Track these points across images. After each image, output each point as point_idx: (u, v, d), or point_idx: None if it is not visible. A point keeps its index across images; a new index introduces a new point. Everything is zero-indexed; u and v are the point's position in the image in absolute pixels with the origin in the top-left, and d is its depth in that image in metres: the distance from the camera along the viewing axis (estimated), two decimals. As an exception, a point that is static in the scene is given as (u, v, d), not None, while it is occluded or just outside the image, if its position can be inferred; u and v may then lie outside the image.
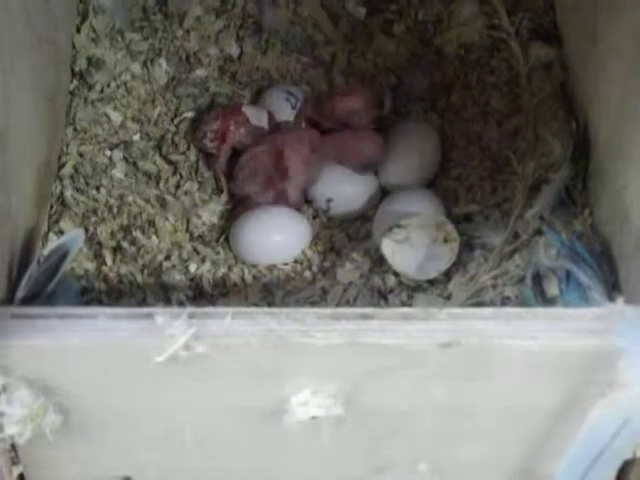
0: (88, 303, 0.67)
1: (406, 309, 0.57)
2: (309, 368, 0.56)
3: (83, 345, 0.55)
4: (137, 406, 0.58)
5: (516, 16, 0.81)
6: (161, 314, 0.55)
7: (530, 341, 0.55)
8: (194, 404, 0.58)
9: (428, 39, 0.82)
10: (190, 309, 0.56)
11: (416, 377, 0.57)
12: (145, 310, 0.56)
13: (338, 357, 0.55)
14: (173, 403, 0.58)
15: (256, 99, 0.81)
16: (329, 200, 0.76)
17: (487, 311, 0.57)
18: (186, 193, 0.76)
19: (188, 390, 0.57)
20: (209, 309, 0.56)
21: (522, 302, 0.66)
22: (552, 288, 0.64)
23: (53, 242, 0.69)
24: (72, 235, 0.67)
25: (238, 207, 0.76)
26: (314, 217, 0.77)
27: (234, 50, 0.83)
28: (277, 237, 0.74)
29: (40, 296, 0.62)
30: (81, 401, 0.58)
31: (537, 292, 0.64)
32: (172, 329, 0.55)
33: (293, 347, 0.55)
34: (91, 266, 0.70)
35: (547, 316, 0.57)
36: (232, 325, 0.56)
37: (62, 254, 0.64)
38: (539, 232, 0.69)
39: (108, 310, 0.56)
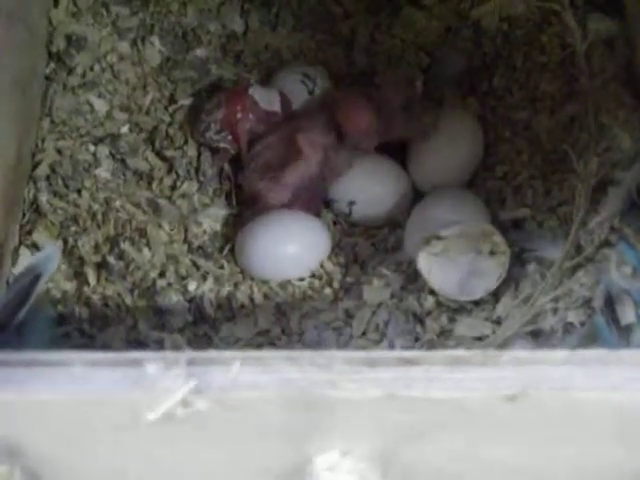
0: (67, 335, 0.61)
1: (459, 352, 0.49)
2: (338, 426, 0.48)
3: (56, 400, 0.47)
4: (124, 472, 0.51)
5: (570, -18, 0.76)
6: (152, 360, 0.47)
7: (614, 392, 0.47)
8: (195, 470, 0.50)
9: (465, 11, 0.77)
10: (189, 353, 0.48)
11: (471, 436, 0.49)
12: (132, 355, 0.49)
13: (374, 412, 0.48)
14: (169, 469, 0.50)
15: (265, 83, 0.75)
16: (351, 203, 0.69)
17: (560, 354, 0.49)
18: (184, 196, 0.70)
19: (187, 454, 0.49)
20: (212, 353, 0.49)
21: (591, 331, 0.59)
22: (627, 314, 0.58)
23: (25, 259, 0.64)
24: (46, 253, 0.62)
25: (246, 210, 0.70)
26: (334, 223, 0.70)
27: (238, 26, 0.78)
28: (291, 247, 0.67)
29: (7, 327, 0.56)
30: (55, 465, 0.50)
31: (609, 319, 0.58)
32: (167, 380, 0.47)
33: (318, 401, 0.47)
34: (70, 287, 0.65)
35: (635, 360, 0.48)
36: (241, 374, 0.48)
37: (34, 276, 0.59)
38: (607, 243, 0.63)
39: (86, 355, 0.48)
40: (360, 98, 0.69)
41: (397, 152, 0.70)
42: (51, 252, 0.62)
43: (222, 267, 0.67)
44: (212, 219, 0.69)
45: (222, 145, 0.70)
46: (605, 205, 0.63)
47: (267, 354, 0.49)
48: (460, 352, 0.48)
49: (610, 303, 0.58)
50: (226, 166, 0.70)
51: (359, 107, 0.68)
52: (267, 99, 0.71)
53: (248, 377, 0.47)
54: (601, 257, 0.62)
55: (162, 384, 0.46)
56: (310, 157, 0.68)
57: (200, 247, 0.68)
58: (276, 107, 0.71)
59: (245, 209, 0.69)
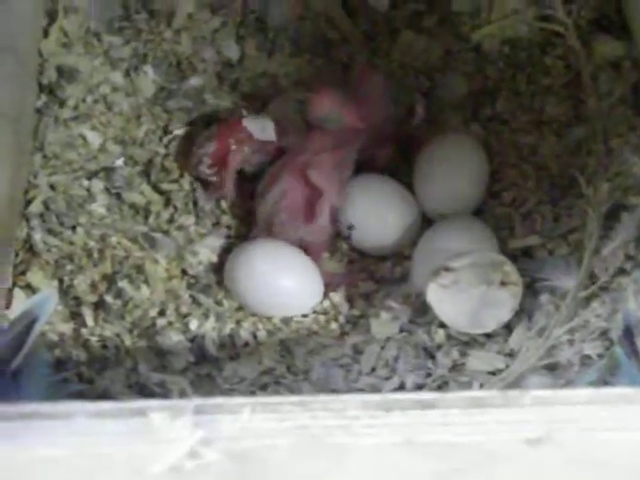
0: (64, 380, 0.59)
1: (478, 393, 0.46)
2: (353, 474, 0.46)
3: (55, 455, 0.45)
4: (129, 528, 0.47)
5: (573, 3, 0.73)
6: (157, 410, 0.45)
7: (645, 433, 0.45)
8: (204, 524, 0.47)
9: (465, 34, 0.75)
10: (195, 401, 0.46)
11: (493, 481, 0.46)
12: (135, 405, 0.46)
13: (391, 459, 0.45)
14: (177, 524, 0.47)
15: (261, 111, 0.73)
16: (350, 227, 0.67)
17: (584, 393, 0.46)
18: (180, 228, 0.69)
19: (196, 507, 0.46)
20: (220, 400, 0.46)
21: (610, 363, 0.57)
22: (648, 345, 0.56)
23: (19, 301, 0.62)
24: (42, 296, 0.59)
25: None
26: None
27: (234, 53, 0.76)
28: (291, 282, 0.65)
29: (3, 376, 0.54)
30: (56, 523, 0.47)
31: (629, 350, 0.55)
32: (173, 431, 0.45)
33: (332, 448, 0.45)
34: (67, 328, 0.63)
35: (665, 397, 0.45)
36: (252, 422, 0.45)
37: (30, 321, 0.56)
38: (622, 272, 0.61)
39: (88, 406, 0.46)
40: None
41: (404, 177, 0.69)
42: (47, 295, 0.59)
43: (221, 304, 0.64)
44: (210, 249, 0.67)
45: (215, 179, 0.68)
46: (619, 231, 0.62)
47: (277, 399, 0.46)
48: (479, 393, 0.47)
49: (629, 334, 0.55)
50: (223, 202, 0.68)
51: (325, 86, 0.69)
52: (261, 128, 0.69)
53: (259, 425, 0.45)
54: (617, 286, 0.60)
55: (168, 435, 0.44)
56: (329, 191, 0.66)
57: (196, 278, 0.65)
58: (270, 136, 0.69)
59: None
